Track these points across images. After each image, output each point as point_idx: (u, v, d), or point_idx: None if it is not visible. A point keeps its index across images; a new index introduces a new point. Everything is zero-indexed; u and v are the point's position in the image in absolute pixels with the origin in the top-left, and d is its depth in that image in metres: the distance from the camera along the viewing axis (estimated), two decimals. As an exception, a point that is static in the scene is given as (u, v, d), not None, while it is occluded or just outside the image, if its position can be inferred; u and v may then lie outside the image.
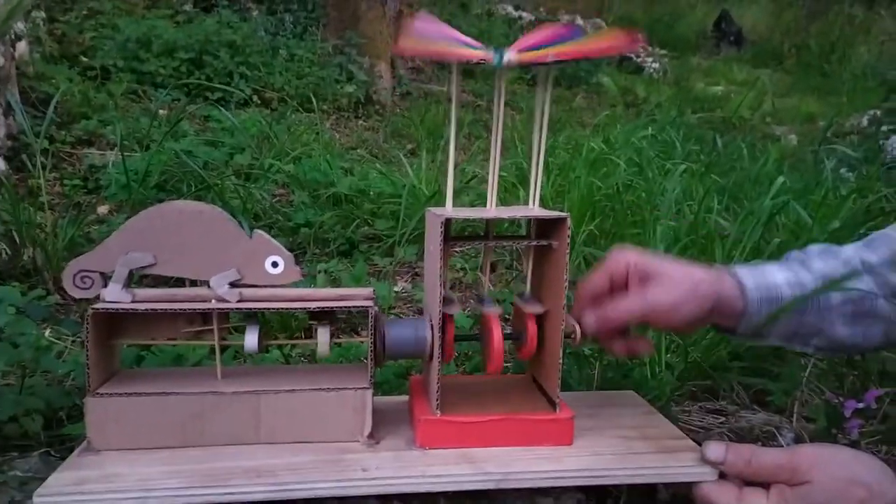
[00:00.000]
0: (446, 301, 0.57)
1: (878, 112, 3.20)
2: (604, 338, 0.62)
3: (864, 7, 6.41)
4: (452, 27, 0.55)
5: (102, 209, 1.44)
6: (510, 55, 0.51)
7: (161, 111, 2.01)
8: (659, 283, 0.59)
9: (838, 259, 0.65)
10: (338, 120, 2.69)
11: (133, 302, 0.56)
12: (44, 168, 1.24)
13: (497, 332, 0.58)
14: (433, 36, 0.52)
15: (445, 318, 0.57)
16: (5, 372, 0.75)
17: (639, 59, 4.84)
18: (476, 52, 0.52)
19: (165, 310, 0.56)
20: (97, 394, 0.55)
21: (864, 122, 3.45)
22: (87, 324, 0.55)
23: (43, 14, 2.51)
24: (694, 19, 6.50)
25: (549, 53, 0.51)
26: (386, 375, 0.80)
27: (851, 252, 0.65)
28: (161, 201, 1.34)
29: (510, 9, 5.16)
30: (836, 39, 5.91)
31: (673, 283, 0.59)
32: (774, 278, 0.63)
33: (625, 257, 0.62)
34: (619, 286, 0.62)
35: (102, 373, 0.58)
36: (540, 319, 0.60)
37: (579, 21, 5.73)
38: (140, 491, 0.50)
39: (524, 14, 5.11)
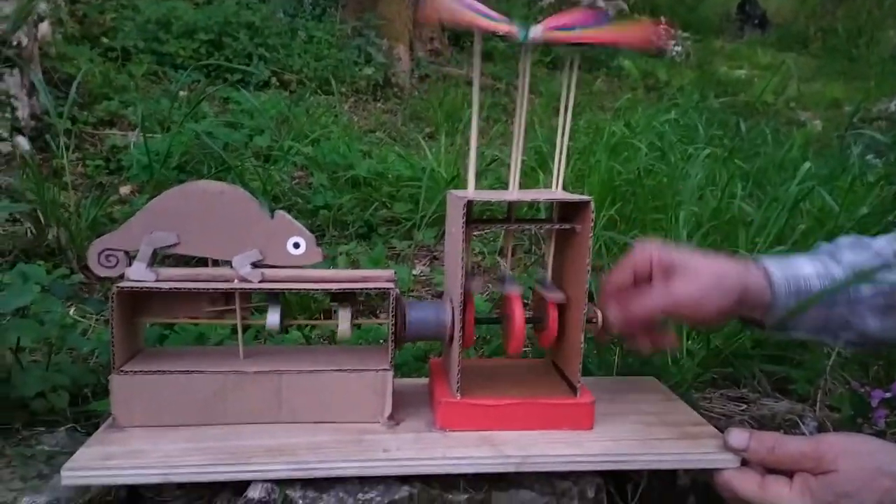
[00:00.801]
0: (468, 276, 0.57)
1: (907, 97, 3.13)
2: (628, 332, 0.62)
3: (894, -11, 6.24)
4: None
5: (124, 189, 1.45)
6: (537, 31, 0.50)
7: (181, 92, 2.01)
8: (683, 275, 0.59)
9: (869, 250, 0.63)
10: (356, 102, 2.68)
11: (157, 281, 0.57)
12: (67, 148, 1.25)
13: (519, 312, 0.57)
14: (459, 6, 0.52)
15: (466, 298, 0.57)
16: (32, 349, 0.76)
17: (660, 42, 4.76)
18: (503, 26, 0.51)
19: (189, 289, 0.56)
20: (122, 371, 0.56)
21: (892, 107, 3.37)
22: (113, 302, 0.55)
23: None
24: (717, 1, 6.37)
25: (577, 36, 0.50)
26: (405, 358, 0.81)
27: (883, 243, 0.64)
28: (182, 182, 1.35)
29: (531, -10, 5.09)
30: (864, 22, 5.77)
31: (697, 275, 0.58)
32: (803, 270, 0.62)
33: (648, 250, 0.61)
34: (643, 280, 0.61)
35: (127, 351, 0.58)
36: (561, 304, 0.60)
37: (600, 3, 5.65)
38: (164, 467, 0.51)
39: (545, -4, 5.03)
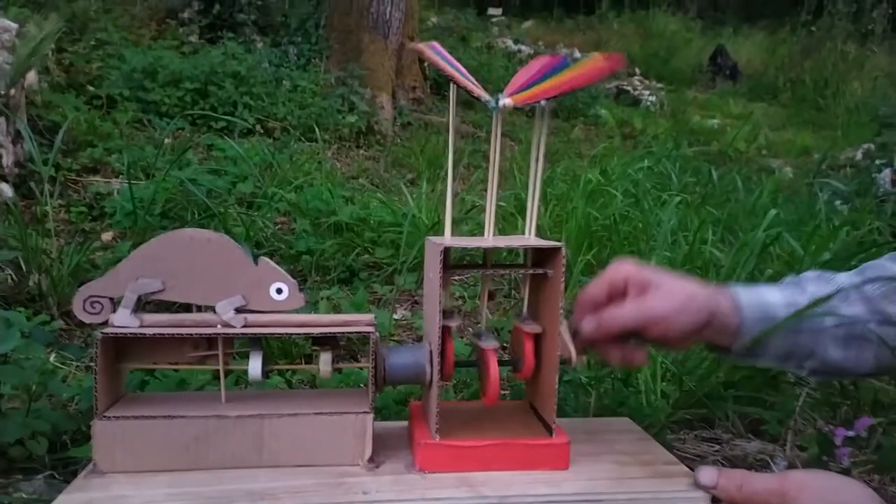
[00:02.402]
0: (446, 314, 0.59)
1: (872, 146, 3.25)
2: (601, 344, 0.63)
3: (857, 43, 6.53)
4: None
5: (106, 236, 1.46)
6: (504, 100, 0.54)
7: (165, 140, 2.04)
8: (656, 292, 0.61)
9: (831, 284, 0.66)
10: (339, 149, 2.73)
11: (141, 327, 0.58)
12: (50, 195, 1.26)
13: (494, 367, 0.59)
14: (446, 59, 0.56)
15: (445, 333, 0.59)
16: (11, 395, 0.76)
17: (636, 92, 4.91)
18: (477, 90, 0.55)
19: (173, 334, 0.57)
20: (105, 416, 0.57)
21: (859, 155, 3.50)
22: (97, 348, 0.56)
23: (52, 44, 2.56)
24: (690, 53, 6.61)
25: (540, 92, 0.54)
26: (386, 401, 0.82)
27: (845, 279, 0.67)
28: (165, 229, 1.36)
29: (509, 42, 5.26)
30: (830, 75, 6.01)
31: (670, 293, 0.61)
32: (770, 297, 0.65)
33: (624, 268, 0.64)
34: (617, 296, 0.64)
35: (109, 396, 0.59)
36: (537, 345, 0.62)
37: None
38: (145, 512, 0.51)
39: (523, 47, 5.20)
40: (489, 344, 0.61)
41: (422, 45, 0.57)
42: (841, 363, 0.65)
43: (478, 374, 0.65)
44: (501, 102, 0.54)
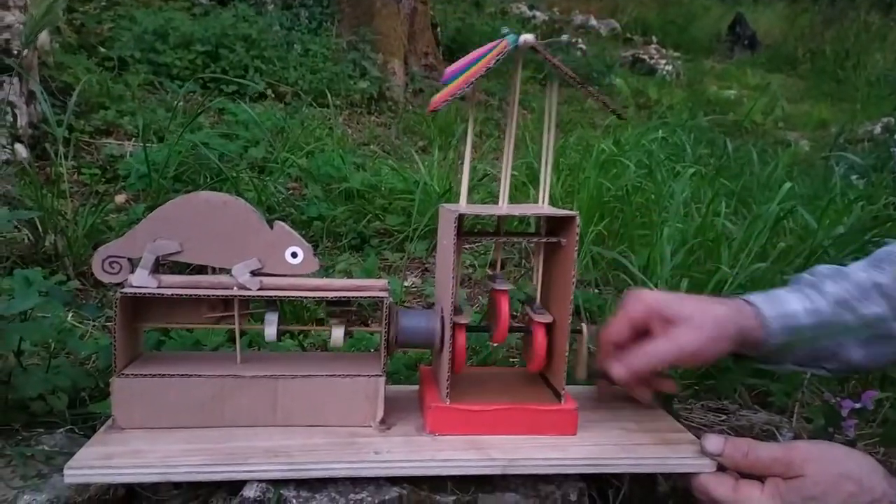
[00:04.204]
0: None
1: (892, 120, 3.20)
2: (632, 385, 0.64)
3: (880, 14, 6.37)
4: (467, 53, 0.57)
5: (120, 198, 1.47)
6: (525, 36, 0.53)
7: (177, 103, 2.04)
8: (684, 327, 0.60)
9: (850, 281, 0.65)
10: (351, 115, 2.71)
11: (159, 287, 0.59)
12: (64, 157, 1.27)
13: (505, 306, 0.61)
14: (454, 74, 0.55)
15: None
16: (31, 352, 0.78)
17: (652, 61, 4.84)
18: (492, 52, 0.54)
19: (190, 295, 0.58)
20: (123, 374, 0.58)
21: (878, 129, 3.44)
22: (116, 307, 0.57)
23: (63, 4, 2.54)
24: (708, 22, 6.48)
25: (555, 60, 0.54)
26: (397, 366, 0.83)
27: (863, 275, 0.65)
28: (178, 192, 1.37)
29: (524, 8, 5.17)
30: (852, 46, 5.88)
31: (699, 325, 0.60)
32: (791, 306, 0.64)
33: (642, 301, 0.63)
34: (640, 330, 0.63)
35: (128, 355, 0.60)
36: (547, 330, 0.62)
37: (593, 21, 5.73)
38: (163, 467, 0.53)
39: (538, 13, 5.11)
40: (502, 285, 0.62)
41: (439, 101, 0.56)
42: (864, 362, 0.65)
43: (489, 321, 0.66)
44: (522, 39, 0.53)
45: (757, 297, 0.65)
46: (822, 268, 0.68)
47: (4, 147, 1.36)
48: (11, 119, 1.47)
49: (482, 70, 0.53)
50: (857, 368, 0.67)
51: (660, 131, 2.23)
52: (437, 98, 0.55)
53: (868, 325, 0.63)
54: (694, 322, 0.60)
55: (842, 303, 0.64)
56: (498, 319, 0.62)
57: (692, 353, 0.60)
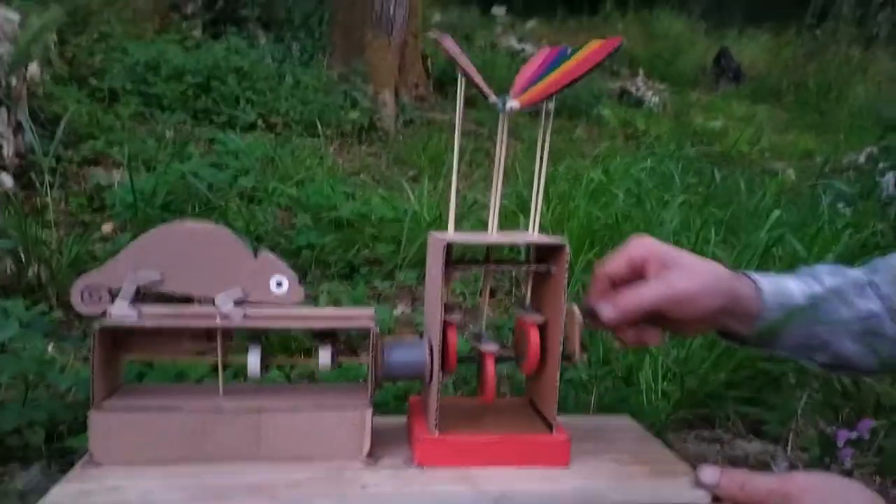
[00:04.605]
0: (448, 308, 0.58)
1: (875, 150, 3.24)
2: (620, 327, 0.61)
3: (861, 47, 6.51)
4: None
5: (107, 227, 1.46)
6: (511, 103, 0.54)
7: (167, 133, 2.04)
8: (679, 271, 0.59)
9: (847, 277, 0.65)
10: (341, 145, 2.72)
11: (140, 318, 0.57)
12: (51, 186, 1.26)
13: (490, 370, 0.59)
14: (456, 51, 0.55)
15: (448, 328, 0.59)
16: (8, 385, 0.75)
17: (639, 93, 4.91)
18: (486, 89, 0.54)
19: (171, 326, 0.57)
20: (101, 408, 0.56)
21: (861, 159, 3.49)
22: (95, 339, 0.56)
23: (54, 36, 2.56)
24: (693, 55, 6.59)
25: (545, 87, 0.54)
26: (385, 397, 0.81)
27: (860, 274, 0.66)
28: (165, 221, 1.36)
29: (513, 41, 5.26)
30: (834, 78, 6.00)
31: (694, 272, 0.59)
32: (789, 286, 0.63)
33: (644, 244, 0.61)
34: (637, 273, 0.61)
35: (106, 387, 0.59)
36: (540, 341, 0.61)
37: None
38: (141, 504, 0.51)
39: (527, 47, 5.19)
40: (489, 347, 0.60)
41: (439, 36, 0.56)
42: (852, 357, 0.64)
43: (476, 372, 0.64)
44: (508, 106, 0.53)
45: (756, 274, 0.64)
46: (821, 265, 0.68)
47: (-10, 177, 1.35)
48: (-2, 149, 1.46)
49: (473, 78, 0.53)
50: (847, 364, 0.66)
51: (648, 161, 2.25)
52: (445, 42, 0.55)
53: (862, 319, 0.63)
54: (690, 269, 0.59)
55: (838, 293, 0.63)
56: (484, 382, 0.60)
57: (684, 298, 0.58)
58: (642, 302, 0.59)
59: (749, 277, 0.64)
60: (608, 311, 0.59)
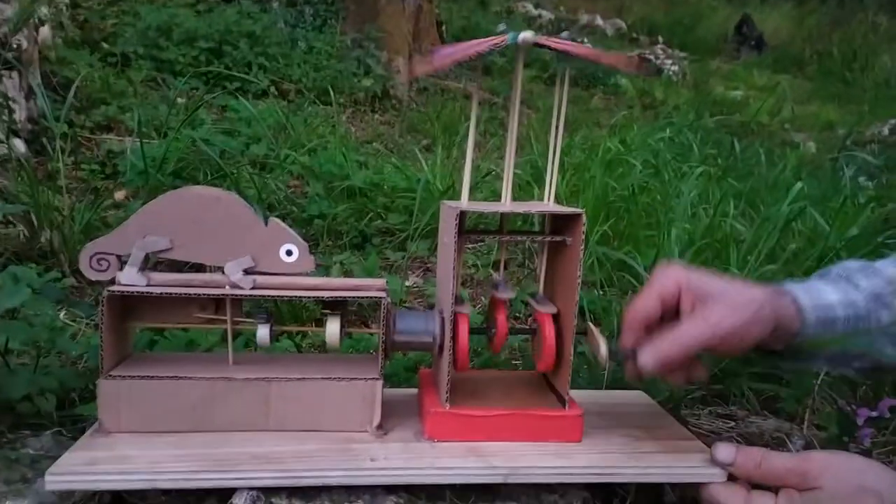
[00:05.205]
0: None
1: (900, 121, 3.16)
2: (663, 373, 0.58)
3: (888, 15, 6.32)
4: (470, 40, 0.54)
5: (119, 194, 1.45)
6: (525, 34, 0.51)
7: (179, 99, 2.02)
8: (719, 304, 0.55)
9: (881, 277, 0.62)
10: (354, 113, 2.69)
11: (148, 285, 0.57)
12: (63, 152, 1.25)
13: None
14: (449, 53, 0.52)
15: (458, 319, 0.58)
16: (20, 351, 0.76)
17: (658, 61, 4.81)
18: (493, 39, 0.52)
19: (180, 294, 0.56)
20: (110, 376, 0.56)
21: (885, 131, 3.41)
22: (103, 306, 0.55)
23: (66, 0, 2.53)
24: (715, 23, 6.44)
25: (564, 45, 0.51)
26: (395, 368, 0.81)
27: (892, 267, 0.62)
28: (177, 188, 1.35)
29: (530, 7, 5.15)
30: (859, 47, 5.84)
31: (735, 304, 0.55)
32: (828, 298, 0.60)
33: (673, 275, 0.58)
34: (670, 309, 0.58)
35: (116, 355, 0.58)
36: (554, 317, 0.60)
37: (599, 21, 5.71)
38: (150, 473, 0.50)
39: (544, 12, 5.09)
40: (504, 294, 0.59)
41: (421, 67, 0.52)
42: (892, 360, 0.61)
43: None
44: (521, 37, 0.50)
45: (792, 286, 0.61)
46: (850, 263, 0.65)
47: (2, 142, 1.34)
48: (9, 114, 1.45)
49: (471, 50, 0.50)
50: (885, 367, 0.63)
51: (666, 131, 2.20)
52: (427, 66, 0.52)
53: None
54: (728, 300, 0.55)
55: (876, 297, 0.60)
56: (496, 328, 0.59)
57: (726, 335, 0.54)
58: (685, 345, 0.54)
59: (788, 293, 0.59)
60: (649, 361, 0.55)
